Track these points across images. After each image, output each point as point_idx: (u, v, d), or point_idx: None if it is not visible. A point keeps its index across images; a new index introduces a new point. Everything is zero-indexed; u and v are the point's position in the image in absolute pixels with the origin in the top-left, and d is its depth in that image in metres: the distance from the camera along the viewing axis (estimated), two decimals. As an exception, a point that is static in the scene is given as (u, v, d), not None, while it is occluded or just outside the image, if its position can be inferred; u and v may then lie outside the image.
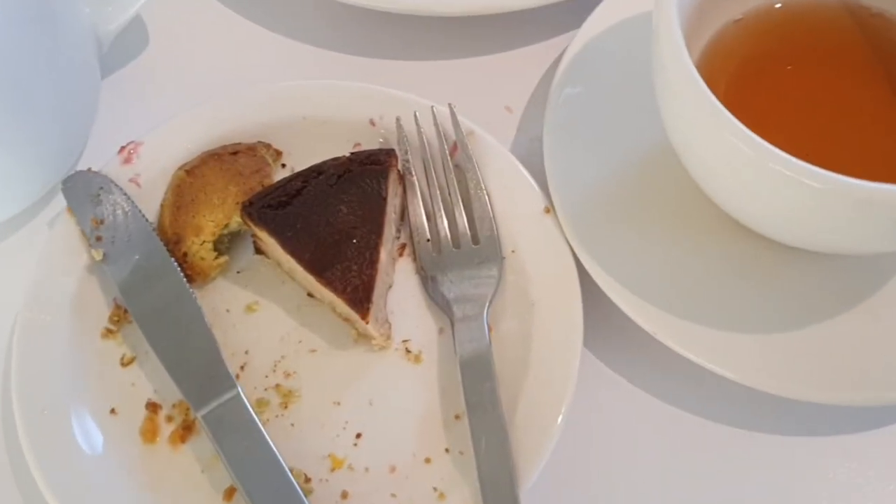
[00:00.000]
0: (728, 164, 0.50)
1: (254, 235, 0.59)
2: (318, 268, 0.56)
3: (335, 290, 0.55)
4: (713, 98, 0.48)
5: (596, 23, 0.65)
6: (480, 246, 0.60)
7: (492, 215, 0.60)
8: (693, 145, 0.53)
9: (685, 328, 0.55)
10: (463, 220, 0.60)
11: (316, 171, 0.58)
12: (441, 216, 0.61)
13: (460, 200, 0.61)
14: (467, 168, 0.61)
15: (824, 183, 0.46)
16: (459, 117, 0.62)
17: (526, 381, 0.55)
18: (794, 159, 0.46)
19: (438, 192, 0.61)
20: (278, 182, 0.58)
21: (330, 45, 0.71)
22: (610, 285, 0.56)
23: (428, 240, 0.60)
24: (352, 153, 0.59)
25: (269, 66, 0.71)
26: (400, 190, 0.61)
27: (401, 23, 0.71)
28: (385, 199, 0.57)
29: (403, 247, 0.61)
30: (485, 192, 0.60)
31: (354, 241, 0.56)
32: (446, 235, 0.60)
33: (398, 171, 0.60)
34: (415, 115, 0.62)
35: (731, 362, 0.54)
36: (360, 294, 0.55)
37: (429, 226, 0.61)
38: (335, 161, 0.58)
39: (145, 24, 0.72)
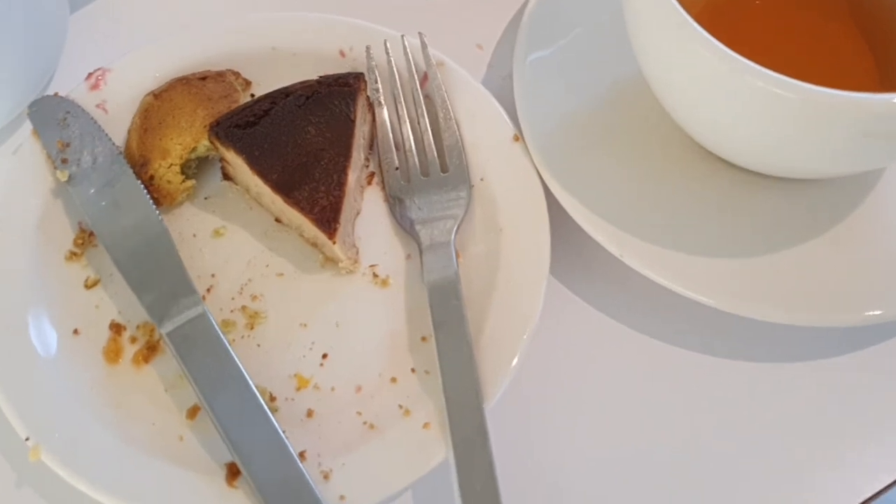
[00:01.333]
0: (700, 83, 0.51)
1: (222, 160, 0.59)
2: (285, 188, 0.55)
3: (302, 210, 0.55)
4: (684, 13, 0.49)
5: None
6: (449, 174, 0.60)
7: (461, 144, 0.60)
8: (664, 67, 0.53)
9: (651, 251, 0.55)
10: (432, 148, 0.60)
11: (284, 92, 0.58)
12: (410, 145, 0.61)
13: (429, 129, 0.61)
14: (436, 98, 0.61)
15: (797, 92, 0.46)
16: (429, 48, 0.62)
17: (492, 305, 0.55)
18: (767, 70, 0.46)
19: (408, 121, 0.61)
20: (246, 103, 0.58)
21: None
22: (577, 209, 0.56)
23: (397, 168, 0.60)
24: (320, 76, 0.59)
25: (240, 2, 0.70)
26: (369, 118, 0.61)
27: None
28: (353, 122, 0.57)
29: (372, 175, 0.61)
30: (454, 121, 0.61)
31: (322, 162, 0.56)
32: (415, 163, 0.60)
33: (367, 96, 0.60)
34: (385, 45, 0.62)
35: (696, 283, 0.54)
36: (327, 214, 0.55)
37: (398, 154, 0.61)
38: (303, 83, 0.58)
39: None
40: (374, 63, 0.62)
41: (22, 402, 0.52)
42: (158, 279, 0.55)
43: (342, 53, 0.63)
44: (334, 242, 0.55)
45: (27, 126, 0.60)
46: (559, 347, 0.57)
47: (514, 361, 0.52)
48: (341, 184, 0.56)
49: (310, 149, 0.56)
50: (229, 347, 0.53)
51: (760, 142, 0.52)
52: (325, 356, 0.56)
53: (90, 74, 0.61)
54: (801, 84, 0.46)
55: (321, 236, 0.55)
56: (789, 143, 0.50)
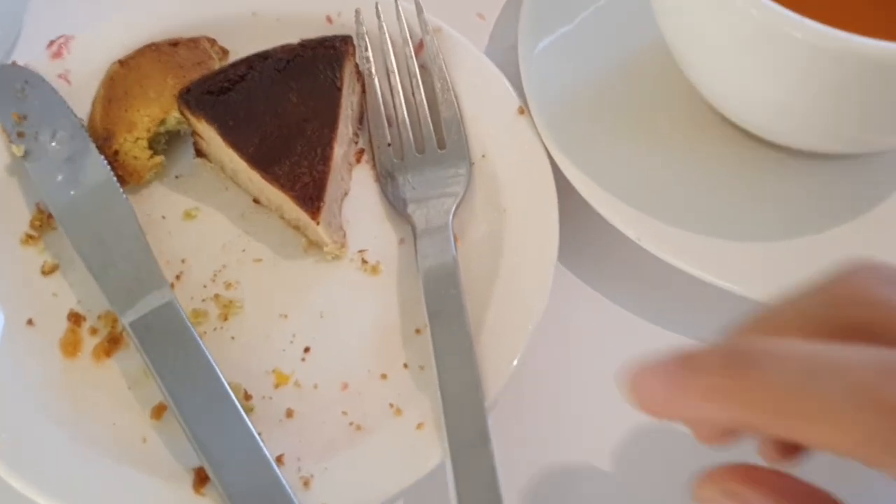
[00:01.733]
0: (730, 37, 0.45)
1: (194, 133, 0.53)
2: (263, 163, 0.50)
3: (282, 186, 0.49)
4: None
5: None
6: (447, 151, 0.54)
7: (459, 117, 0.55)
8: (689, 22, 0.47)
9: (671, 233, 0.50)
10: (428, 122, 0.55)
11: (262, 56, 0.52)
12: (404, 118, 0.55)
13: (425, 102, 0.55)
14: (433, 67, 0.56)
15: (838, 43, 0.40)
16: (426, 14, 0.57)
17: (494, 293, 0.50)
18: (806, 20, 0.41)
19: (401, 93, 0.56)
20: (220, 68, 0.53)
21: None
22: (589, 187, 0.51)
23: (389, 144, 0.55)
24: (303, 40, 0.53)
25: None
26: (358, 88, 0.55)
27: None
28: (340, 89, 0.51)
29: (361, 153, 0.56)
30: (452, 92, 0.55)
31: (305, 134, 0.50)
32: (409, 139, 0.54)
33: (356, 65, 0.54)
34: (376, 8, 0.57)
35: (720, 268, 0.49)
36: (310, 191, 0.49)
37: (390, 129, 0.55)
38: (284, 47, 0.52)
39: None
40: (363, 29, 0.57)
41: (-34, 400, 0.46)
42: (122, 264, 0.49)
43: (329, 19, 0.57)
44: (318, 223, 0.49)
45: (-18, 99, 0.55)
46: (567, 340, 0.52)
47: (518, 356, 0.47)
48: (326, 158, 0.50)
49: (291, 119, 0.51)
50: (199, 339, 0.47)
51: (795, 104, 0.46)
52: (307, 350, 0.50)
53: (52, 42, 0.56)
54: (843, 34, 0.41)
55: (303, 217, 0.50)
56: (828, 104, 0.45)
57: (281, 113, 0.51)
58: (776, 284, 0.48)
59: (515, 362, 0.47)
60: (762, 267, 0.49)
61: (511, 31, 0.61)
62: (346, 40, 0.53)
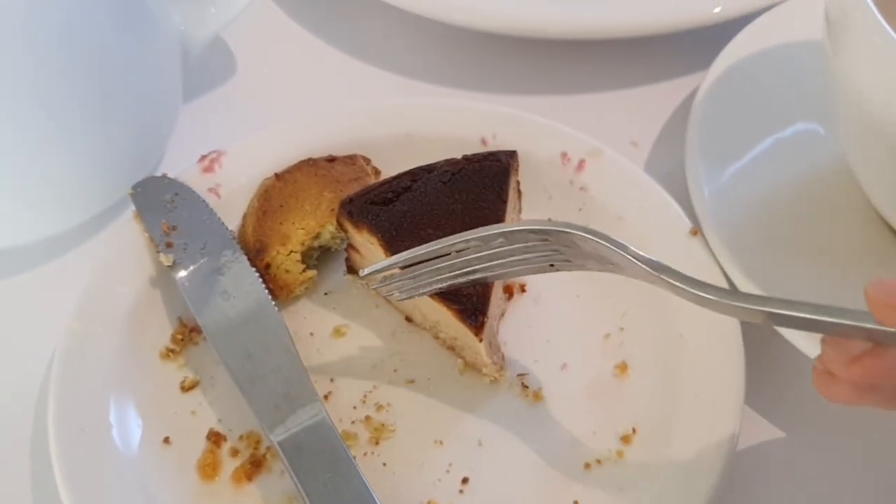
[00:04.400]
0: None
1: (348, 247, 0.51)
2: (424, 276, 0.47)
3: (444, 300, 0.46)
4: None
5: (735, 50, 0.58)
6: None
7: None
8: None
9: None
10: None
11: (426, 168, 0.50)
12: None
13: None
14: (595, 189, 0.53)
15: None
16: (585, 136, 0.55)
17: (673, 430, 0.45)
18: None
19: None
20: (383, 180, 0.51)
21: (431, 79, 0.65)
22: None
23: (551, 265, 0.51)
24: (465, 155, 0.51)
25: (364, 92, 0.65)
26: (518, 205, 0.52)
27: (506, 52, 0.65)
28: (504, 202, 0.49)
29: (517, 273, 0.52)
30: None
31: (468, 247, 0.47)
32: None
33: (518, 181, 0.52)
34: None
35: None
36: (473, 305, 0.46)
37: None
38: (448, 160, 0.50)
39: (232, 53, 0.66)
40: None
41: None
42: (271, 379, 0.46)
43: (484, 141, 0.55)
44: (480, 340, 0.46)
45: (128, 213, 0.53)
46: (757, 485, 0.46)
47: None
48: (490, 273, 0.47)
49: (454, 231, 0.47)
50: (354, 462, 0.43)
51: None
52: (465, 481, 0.45)
53: (203, 157, 0.55)
54: None
55: (462, 335, 0.46)
56: None
57: (444, 225, 0.48)
58: None
59: None
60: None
61: (666, 158, 0.59)
62: (511, 154, 0.51)
